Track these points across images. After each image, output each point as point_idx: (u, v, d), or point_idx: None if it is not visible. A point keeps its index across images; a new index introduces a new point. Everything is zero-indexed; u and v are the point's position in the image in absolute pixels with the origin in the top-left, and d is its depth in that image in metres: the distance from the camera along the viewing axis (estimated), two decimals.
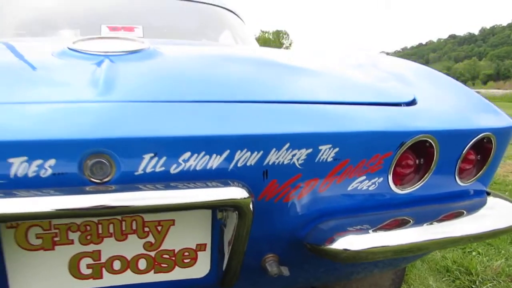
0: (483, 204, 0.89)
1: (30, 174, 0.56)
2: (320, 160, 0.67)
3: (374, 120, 0.72)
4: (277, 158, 0.65)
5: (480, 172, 0.87)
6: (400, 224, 0.76)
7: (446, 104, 0.86)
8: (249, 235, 0.65)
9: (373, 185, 0.75)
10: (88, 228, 0.67)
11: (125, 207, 0.58)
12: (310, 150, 0.66)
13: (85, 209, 0.56)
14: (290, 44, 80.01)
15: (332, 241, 0.68)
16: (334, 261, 0.71)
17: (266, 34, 78.51)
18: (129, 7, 1.90)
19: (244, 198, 0.61)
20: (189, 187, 0.60)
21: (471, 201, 0.89)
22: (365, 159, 0.71)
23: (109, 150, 0.57)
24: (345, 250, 0.67)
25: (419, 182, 0.80)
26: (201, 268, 0.74)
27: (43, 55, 0.82)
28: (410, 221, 0.77)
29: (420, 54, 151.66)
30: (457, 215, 0.82)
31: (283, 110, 0.69)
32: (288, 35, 79.55)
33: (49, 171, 0.56)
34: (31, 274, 0.67)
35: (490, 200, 0.91)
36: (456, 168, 0.82)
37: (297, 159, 0.66)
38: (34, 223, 0.64)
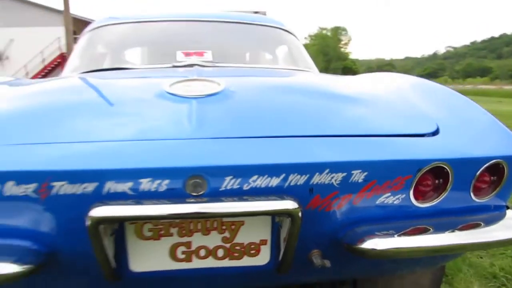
0: (502, 217, 1.06)
1: (152, 189, 0.83)
2: (353, 181, 0.89)
3: (398, 150, 0.92)
4: (319, 179, 0.87)
5: (496, 191, 1.03)
6: (420, 231, 0.95)
7: (462, 131, 1.03)
8: (299, 235, 0.88)
9: (397, 200, 0.95)
10: (184, 225, 0.93)
11: (211, 213, 0.84)
12: (345, 174, 0.88)
13: (186, 214, 0.83)
14: (348, 41, 78.43)
15: (362, 241, 0.89)
16: (364, 258, 0.92)
17: (324, 31, 77.57)
18: (199, 34, 2.18)
19: (295, 208, 0.84)
20: (255, 200, 0.84)
21: (489, 214, 1.05)
22: (389, 180, 0.91)
23: (202, 174, 0.83)
24: (373, 249, 0.88)
25: (437, 198, 0.98)
26: (263, 258, 0.98)
27: (148, 96, 1.09)
28: (429, 229, 0.96)
29: (492, 48, 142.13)
30: (474, 226, 1.00)
31: (324, 142, 0.92)
32: (346, 31, 77.93)
33: (164, 188, 0.83)
34: (144, 256, 0.95)
35: (510, 213, 1.07)
36: (471, 188, 1.00)
37: (335, 180, 0.88)
38: (147, 221, 0.91)
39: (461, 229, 0.97)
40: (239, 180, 0.84)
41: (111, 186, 0.82)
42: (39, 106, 1.09)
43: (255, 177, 0.84)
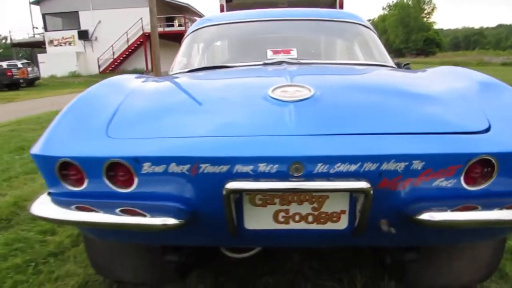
0: None
1: (266, 171, 1.18)
2: (413, 168, 1.18)
3: (450, 145, 1.18)
4: (387, 167, 1.17)
5: None
6: (470, 208, 1.21)
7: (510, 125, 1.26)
8: (370, 207, 1.19)
9: (450, 184, 1.21)
10: (284, 197, 1.28)
11: (306, 189, 1.18)
12: (407, 163, 1.17)
13: (288, 189, 1.18)
14: (432, 10, 73.48)
15: (420, 213, 1.17)
16: (421, 227, 1.21)
17: (405, 0, 73.30)
18: (285, 32, 2.49)
19: (368, 187, 1.15)
20: (338, 180, 1.17)
21: None
22: (443, 169, 1.18)
23: (301, 161, 1.17)
24: (428, 220, 1.16)
25: (485, 183, 1.22)
26: (342, 223, 1.31)
27: (256, 99, 1.43)
28: (477, 207, 1.22)
29: None
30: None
31: (392, 139, 1.21)
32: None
33: (274, 170, 1.18)
34: (255, 218, 1.32)
35: None
36: None
37: (399, 168, 1.17)
38: (258, 193, 1.27)
39: (507, 208, 1.21)
40: (327, 166, 1.17)
41: (239, 168, 1.18)
42: (181, 104, 1.50)
43: (339, 164, 1.17)
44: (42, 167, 1.35)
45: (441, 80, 1.68)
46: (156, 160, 1.22)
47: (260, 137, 1.23)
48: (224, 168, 1.19)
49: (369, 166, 1.17)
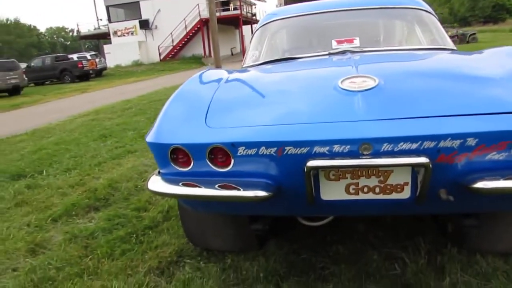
0: None
1: (340, 151, 1.41)
2: (467, 145, 1.35)
3: (500, 124, 1.34)
4: (444, 144, 1.35)
5: None
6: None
7: None
8: (430, 178, 1.39)
9: (502, 156, 1.36)
10: (354, 172, 1.51)
11: (373, 165, 1.40)
12: (462, 140, 1.34)
13: (358, 165, 1.40)
14: None
15: (475, 182, 1.35)
16: (477, 194, 1.38)
17: None
18: (348, 23, 2.66)
19: (427, 162, 1.35)
20: (401, 157, 1.37)
21: None
22: (494, 144, 1.35)
23: (369, 142, 1.39)
24: (482, 187, 1.34)
25: None
26: (405, 193, 1.51)
27: (328, 89, 1.64)
28: None
29: None
30: None
31: (448, 120, 1.38)
32: None
33: (347, 150, 1.41)
34: (330, 190, 1.56)
35: None
36: None
37: (454, 144, 1.35)
38: (333, 170, 1.51)
39: None
40: (391, 145, 1.38)
41: (317, 149, 1.43)
42: (263, 95, 1.77)
43: (402, 143, 1.37)
44: (156, 152, 1.68)
45: (496, 61, 1.80)
46: (249, 145, 1.50)
47: (334, 123, 1.46)
48: (305, 149, 1.43)
49: (428, 144, 1.36)
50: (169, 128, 1.68)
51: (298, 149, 1.44)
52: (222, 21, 25.07)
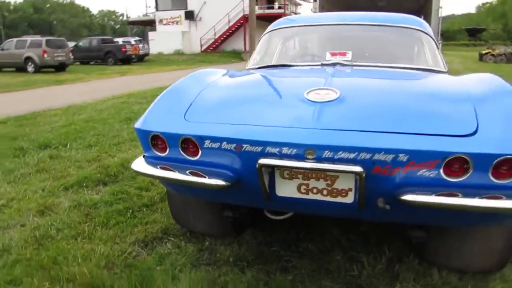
0: None
1: (288, 153, 1.61)
2: (399, 160, 1.51)
3: (431, 144, 1.50)
4: (379, 157, 1.52)
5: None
6: (450, 194, 1.51)
7: (495, 133, 1.51)
8: (368, 187, 1.56)
9: (432, 174, 1.52)
10: (305, 173, 1.70)
11: (317, 169, 1.59)
12: (394, 155, 1.51)
13: (304, 168, 1.60)
14: None
15: (404, 195, 1.52)
16: (408, 206, 1.54)
17: None
18: (345, 36, 2.83)
19: (361, 171, 1.52)
20: (340, 164, 1.55)
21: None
22: (424, 162, 1.51)
23: (313, 148, 1.58)
24: (410, 200, 1.50)
25: (463, 176, 1.52)
26: (349, 198, 1.69)
27: (294, 98, 1.84)
28: (458, 195, 1.51)
29: None
30: (495, 198, 1.49)
31: (384, 136, 1.55)
32: None
33: (294, 153, 1.60)
34: (284, 188, 1.75)
35: None
36: (490, 172, 1.48)
37: (388, 158, 1.52)
38: (287, 169, 1.71)
39: (483, 198, 1.48)
40: (332, 153, 1.56)
41: (269, 149, 1.63)
42: (237, 97, 2.01)
43: (341, 152, 1.55)
44: (140, 137, 1.93)
45: (465, 87, 1.93)
46: (214, 139, 1.72)
47: (285, 128, 1.66)
48: (258, 148, 1.64)
49: (364, 156, 1.54)
50: (153, 118, 1.93)
51: (253, 147, 1.65)
52: (265, 18, 25.33)
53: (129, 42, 25.39)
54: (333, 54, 2.62)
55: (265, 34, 3.10)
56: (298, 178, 1.72)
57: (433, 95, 1.88)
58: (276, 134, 1.65)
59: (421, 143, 1.52)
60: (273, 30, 3.08)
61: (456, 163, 1.52)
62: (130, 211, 2.99)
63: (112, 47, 24.05)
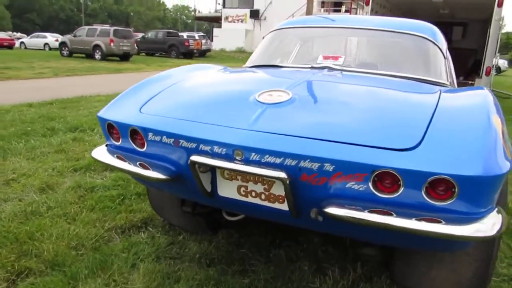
0: (472, 220, 1.32)
1: (219, 152, 1.56)
2: (325, 170, 1.41)
3: (358, 156, 1.37)
4: (305, 164, 1.43)
5: (453, 199, 1.32)
6: (383, 212, 1.38)
7: (436, 150, 1.36)
8: (291, 193, 1.47)
9: (361, 188, 1.40)
10: (243, 176, 1.64)
11: (241, 171, 1.52)
12: (320, 164, 1.41)
13: (226, 168, 1.54)
14: None
15: (328, 207, 1.41)
16: (334, 220, 1.43)
17: None
18: (342, 41, 2.71)
19: (284, 177, 1.44)
20: (265, 168, 1.47)
21: (452, 216, 1.34)
22: (351, 174, 1.39)
23: (241, 149, 1.52)
24: (332, 213, 1.40)
25: (395, 193, 1.38)
26: (286, 205, 1.61)
27: (243, 99, 1.77)
28: (392, 214, 1.37)
29: None
30: (433, 221, 1.34)
31: (311, 143, 1.45)
32: None
33: (224, 152, 1.55)
34: (225, 188, 1.71)
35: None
36: (423, 192, 1.33)
37: (314, 167, 1.43)
38: (226, 169, 1.66)
39: (419, 220, 1.33)
40: (259, 155, 1.49)
41: (202, 147, 1.59)
42: (191, 95, 1.97)
43: (267, 156, 1.48)
44: (101, 124, 1.97)
45: (431, 99, 1.76)
46: (155, 132, 1.72)
47: (220, 127, 1.61)
48: (193, 145, 1.61)
49: (290, 162, 1.45)
50: (113, 107, 1.96)
51: (188, 143, 1.62)
52: None
53: (193, 37, 26.21)
54: (325, 58, 2.52)
55: (268, 34, 3.05)
56: (238, 180, 1.67)
57: (393, 106, 1.74)
58: (208, 132, 1.61)
59: (347, 153, 1.41)
60: (276, 30, 3.02)
61: (388, 179, 1.39)
62: (121, 198, 3.07)
63: (176, 40, 24.90)
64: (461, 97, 1.87)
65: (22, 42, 30.48)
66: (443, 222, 1.33)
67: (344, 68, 2.41)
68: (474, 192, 1.33)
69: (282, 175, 1.45)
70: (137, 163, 1.81)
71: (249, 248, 2.47)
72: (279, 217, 1.72)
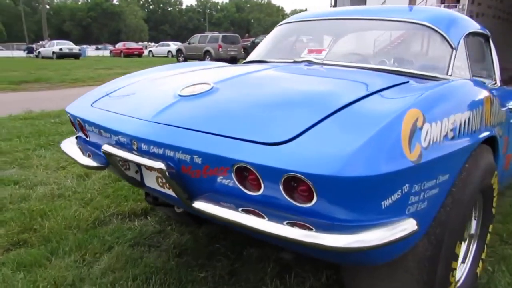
0: (344, 229, 1.18)
1: (121, 142, 1.63)
2: (195, 162, 1.37)
3: (221, 148, 1.31)
4: (179, 155, 1.41)
5: (315, 200, 1.19)
6: (255, 213, 1.29)
7: (310, 144, 1.24)
8: (175, 186, 1.46)
9: (230, 183, 1.32)
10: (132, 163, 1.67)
11: (130, 160, 1.56)
12: (190, 156, 1.37)
13: (122, 157, 1.59)
14: None
15: (195, 201, 1.39)
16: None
17: None
18: (333, 33, 2.55)
19: (163, 169, 1.44)
20: (154, 161, 1.49)
21: (321, 221, 1.19)
22: (217, 167, 1.34)
23: (136, 140, 1.56)
24: (195, 207, 1.37)
25: (258, 191, 1.28)
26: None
27: (167, 92, 1.79)
28: (263, 216, 1.27)
29: None
30: (303, 227, 1.22)
31: (184, 133, 1.43)
32: None
33: (125, 142, 1.61)
34: (148, 178, 1.76)
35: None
36: (282, 190, 1.21)
37: (187, 158, 1.39)
38: (121, 160, 1.69)
39: (289, 224, 1.24)
40: (147, 146, 1.52)
41: (113, 137, 1.67)
42: (137, 89, 2.05)
43: (152, 146, 1.50)
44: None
45: (372, 88, 1.59)
46: (87, 123, 1.86)
47: (126, 117, 1.68)
48: (108, 135, 1.71)
49: (169, 153, 1.45)
50: (77, 101, 2.15)
51: (106, 133, 1.72)
52: None
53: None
54: (310, 51, 2.41)
55: (267, 35, 3.02)
56: (155, 170, 1.71)
57: (303, 100, 1.57)
58: (114, 122, 1.68)
59: (210, 145, 1.36)
60: (278, 25, 2.97)
61: (252, 174, 1.30)
62: (119, 188, 3.31)
63: None
64: (407, 92, 1.64)
65: (150, 51, 34.07)
66: (314, 230, 1.18)
67: (324, 62, 2.28)
68: (336, 195, 1.18)
69: (160, 165, 1.46)
70: (87, 153, 1.97)
71: (225, 244, 2.48)
72: (173, 201, 1.71)
